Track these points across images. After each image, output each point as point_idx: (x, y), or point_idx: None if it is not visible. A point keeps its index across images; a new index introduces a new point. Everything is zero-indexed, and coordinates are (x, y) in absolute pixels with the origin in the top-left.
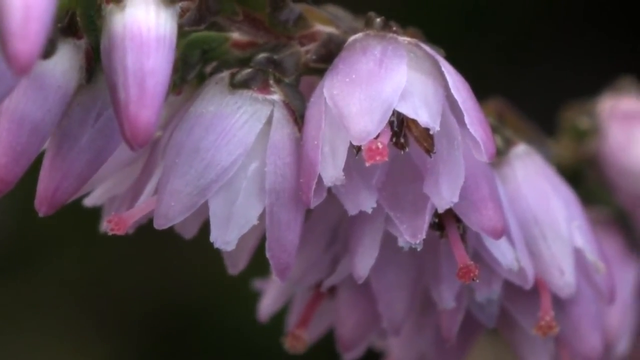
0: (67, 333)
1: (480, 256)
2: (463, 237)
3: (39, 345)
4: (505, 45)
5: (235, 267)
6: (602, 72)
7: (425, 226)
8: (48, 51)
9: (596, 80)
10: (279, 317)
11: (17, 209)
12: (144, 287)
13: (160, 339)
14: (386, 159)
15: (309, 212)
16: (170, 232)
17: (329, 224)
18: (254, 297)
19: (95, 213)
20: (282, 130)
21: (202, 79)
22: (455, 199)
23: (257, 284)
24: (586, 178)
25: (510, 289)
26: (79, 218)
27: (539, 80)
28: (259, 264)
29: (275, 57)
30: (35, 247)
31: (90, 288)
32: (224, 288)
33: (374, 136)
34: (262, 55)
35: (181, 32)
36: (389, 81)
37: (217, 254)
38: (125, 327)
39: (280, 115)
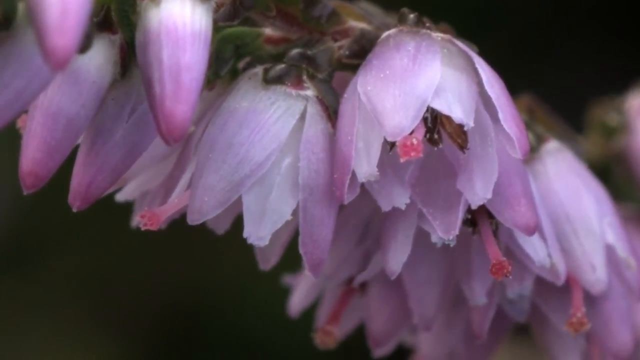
0: (75, 331)
1: (512, 252)
2: (495, 233)
3: (45, 344)
4: (530, 41)
5: (267, 262)
6: (629, 68)
7: (459, 222)
8: (84, 46)
9: (623, 77)
10: (287, 315)
11: (23, 206)
12: (151, 285)
13: (168, 337)
14: (421, 155)
15: (341, 208)
16: (178, 229)
17: (361, 219)
18: (265, 295)
19: (102, 210)
20: (315, 125)
21: (235, 75)
22: (489, 195)
23: (286, 279)
24: (614, 174)
25: (542, 285)
26: (86, 215)
27: (565, 77)
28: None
29: (309, 52)
30: (41, 245)
31: (97, 286)
32: (233, 286)
33: (408, 132)
34: (295, 51)
35: (215, 27)
36: (423, 77)
37: (227, 251)
38: (132, 325)
39: (314, 111)
